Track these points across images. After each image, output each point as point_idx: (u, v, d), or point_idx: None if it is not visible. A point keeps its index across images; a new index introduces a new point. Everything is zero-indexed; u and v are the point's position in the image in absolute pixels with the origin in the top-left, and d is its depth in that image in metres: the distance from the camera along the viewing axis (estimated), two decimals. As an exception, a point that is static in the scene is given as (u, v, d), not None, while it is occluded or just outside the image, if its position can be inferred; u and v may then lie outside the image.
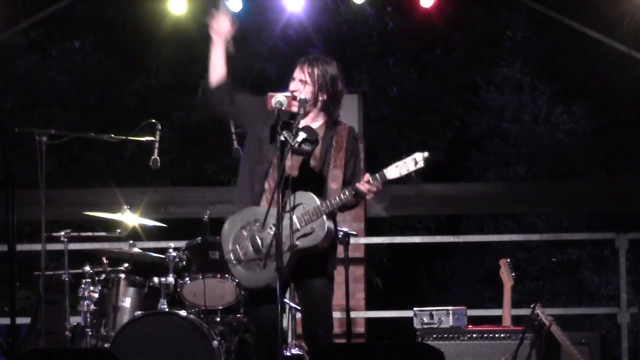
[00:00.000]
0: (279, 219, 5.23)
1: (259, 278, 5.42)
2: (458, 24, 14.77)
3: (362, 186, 5.34)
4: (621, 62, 12.31)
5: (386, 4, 13.68)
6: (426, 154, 5.33)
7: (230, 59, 5.72)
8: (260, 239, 5.42)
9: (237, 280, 6.41)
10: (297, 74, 5.59)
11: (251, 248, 5.44)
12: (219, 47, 5.68)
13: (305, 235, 5.37)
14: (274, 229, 5.27)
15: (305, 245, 5.37)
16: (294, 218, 5.34)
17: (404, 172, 5.33)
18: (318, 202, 5.38)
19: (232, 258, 5.50)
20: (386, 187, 5.76)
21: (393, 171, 5.35)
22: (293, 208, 5.35)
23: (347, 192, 5.38)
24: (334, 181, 5.46)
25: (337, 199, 5.37)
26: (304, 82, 5.56)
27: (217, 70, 5.67)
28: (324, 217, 5.37)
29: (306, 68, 5.58)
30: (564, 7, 9.53)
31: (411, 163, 5.33)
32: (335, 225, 5.56)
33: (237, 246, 5.49)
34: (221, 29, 5.67)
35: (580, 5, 10.00)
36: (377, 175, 5.36)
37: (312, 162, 5.51)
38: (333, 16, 13.24)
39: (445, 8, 10.11)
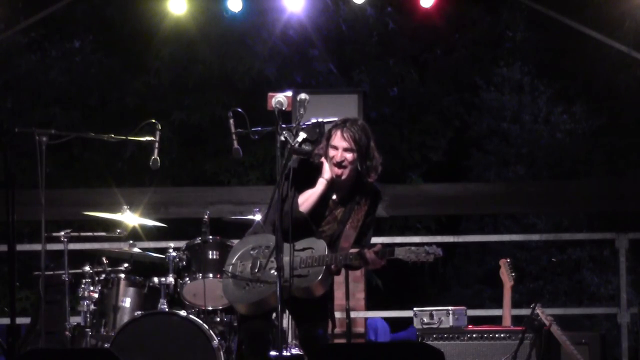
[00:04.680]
0: (280, 210, 5.24)
1: (239, 297, 5.49)
2: (458, 24, 14.79)
3: (369, 254, 5.37)
4: (621, 62, 12.31)
5: (386, 4, 13.69)
6: (439, 251, 5.31)
7: None
8: (261, 265, 5.45)
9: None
10: (339, 142, 5.46)
11: (249, 269, 5.49)
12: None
13: (300, 276, 5.39)
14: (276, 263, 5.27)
15: (295, 285, 5.37)
16: (297, 258, 5.38)
17: (413, 258, 5.31)
18: (326, 252, 5.41)
19: (229, 270, 5.56)
20: (386, 187, 5.75)
21: (403, 253, 5.33)
22: (303, 249, 5.41)
23: (351, 256, 5.40)
24: (346, 240, 5.51)
25: (342, 257, 5.40)
26: (350, 150, 5.47)
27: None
28: (324, 267, 5.38)
29: (347, 134, 5.46)
30: (564, 7, 9.52)
31: (422, 254, 5.31)
32: (332, 281, 5.57)
33: (239, 262, 5.55)
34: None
35: (580, 6, 10.02)
36: (386, 250, 5.36)
37: (331, 222, 5.54)
38: (333, 16, 13.25)
39: (445, 8, 10.13)
